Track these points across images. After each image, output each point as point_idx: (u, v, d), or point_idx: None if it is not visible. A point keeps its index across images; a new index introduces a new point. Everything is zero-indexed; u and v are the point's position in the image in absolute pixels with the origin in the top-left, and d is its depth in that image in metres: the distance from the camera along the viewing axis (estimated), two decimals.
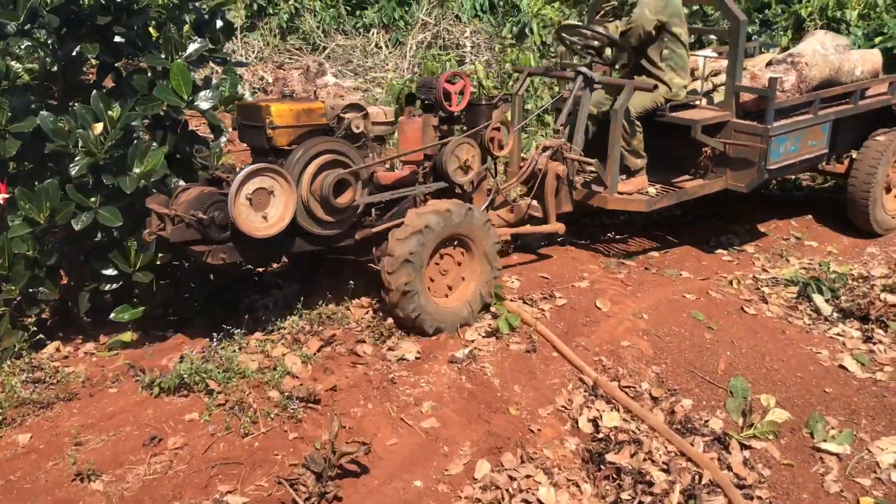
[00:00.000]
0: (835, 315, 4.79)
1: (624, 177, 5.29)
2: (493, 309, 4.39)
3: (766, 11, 9.08)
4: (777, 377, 4.09)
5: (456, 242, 4.21)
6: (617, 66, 5.71)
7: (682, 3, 5.30)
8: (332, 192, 3.93)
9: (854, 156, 6.22)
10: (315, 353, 3.94)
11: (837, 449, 3.66)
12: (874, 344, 4.37)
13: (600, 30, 5.23)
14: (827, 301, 4.97)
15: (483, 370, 3.93)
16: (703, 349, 4.30)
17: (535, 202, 5.04)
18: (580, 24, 5.69)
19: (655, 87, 5.12)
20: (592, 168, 5.05)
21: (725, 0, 5.34)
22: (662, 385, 4.03)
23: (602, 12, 5.86)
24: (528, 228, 5.09)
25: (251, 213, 3.71)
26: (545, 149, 5.04)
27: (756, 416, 3.79)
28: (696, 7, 8.53)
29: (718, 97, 5.72)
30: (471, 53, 9.83)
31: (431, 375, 3.86)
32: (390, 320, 4.21)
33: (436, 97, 4.44)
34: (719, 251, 5.84)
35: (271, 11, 12.95)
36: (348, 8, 15.90)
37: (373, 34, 13.62)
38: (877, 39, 8.48)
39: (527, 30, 10.40)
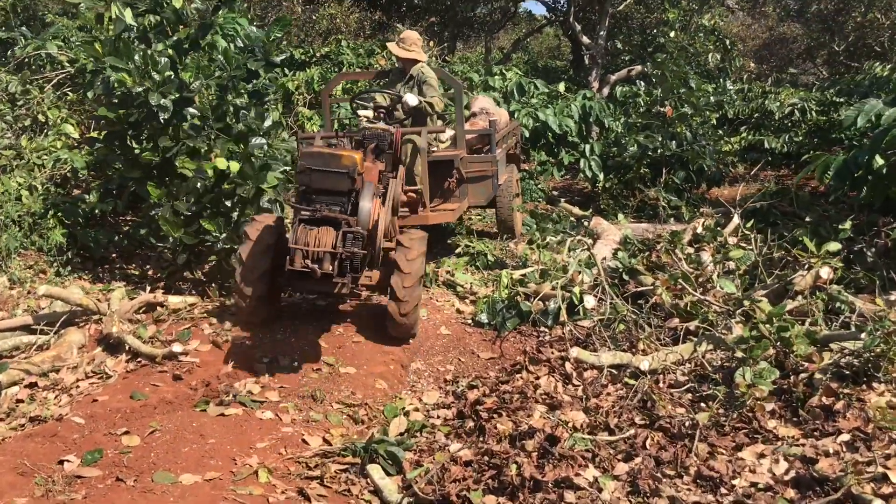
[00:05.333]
0: (406, 503, 3.28)
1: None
2: None
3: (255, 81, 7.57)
4: None
5: None
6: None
7: None
8: None
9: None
10: None
11: None
12: None
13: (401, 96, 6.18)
14: (390, 474, 3.48)
15: None
16: None
17: None
18: (387, 91, 6.52)
19: (443, 130, 6.86)
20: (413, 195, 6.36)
21: (448, 73, 7.97)
22: None
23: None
24: None
25: None
26: None
27: None
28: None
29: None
30: None
31: None
32: None
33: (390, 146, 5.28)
34: (230, 412, 4.00)
35: None
36: None
37: None
38: None
39: None
